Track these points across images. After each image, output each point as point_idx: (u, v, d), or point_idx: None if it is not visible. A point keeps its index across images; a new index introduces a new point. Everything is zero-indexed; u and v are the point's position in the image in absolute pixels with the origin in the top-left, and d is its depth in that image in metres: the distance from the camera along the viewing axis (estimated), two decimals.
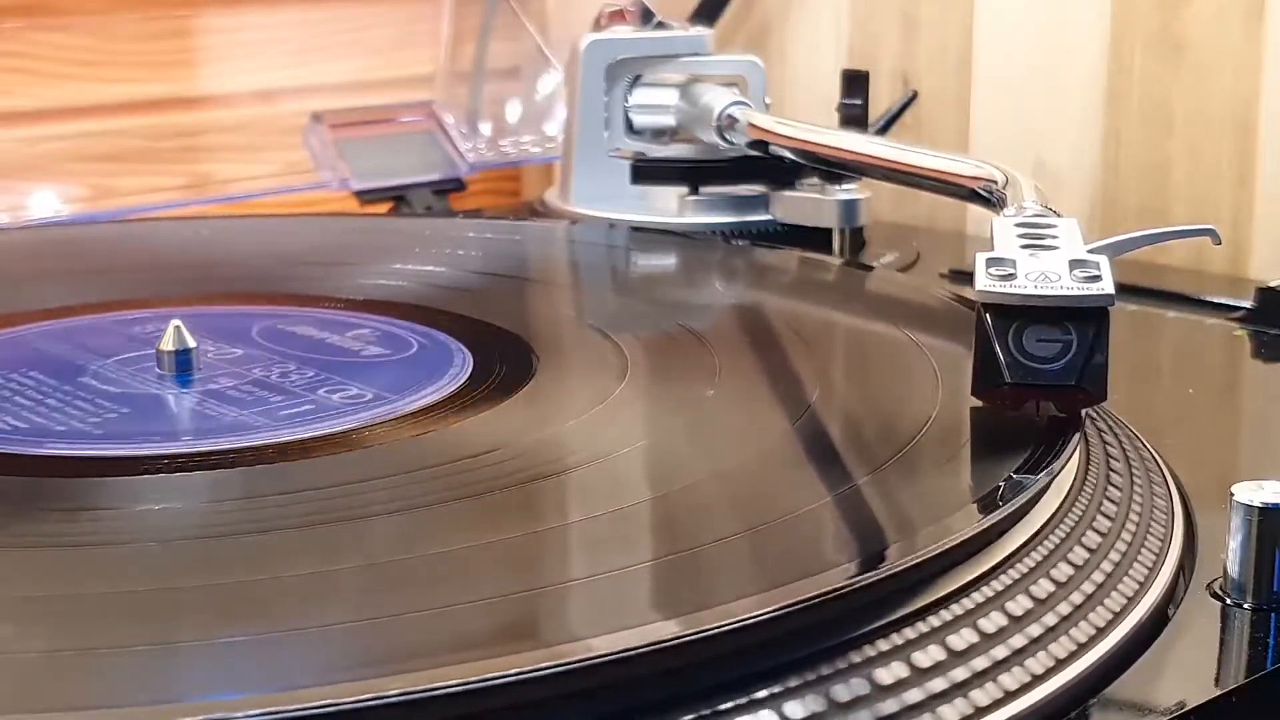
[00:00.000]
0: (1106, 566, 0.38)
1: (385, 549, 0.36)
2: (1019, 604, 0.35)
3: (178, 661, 0.30)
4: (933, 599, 0.34)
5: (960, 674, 0.32)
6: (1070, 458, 0.40)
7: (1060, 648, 0.34)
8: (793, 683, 0.31)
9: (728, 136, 0.73)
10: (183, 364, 0.49)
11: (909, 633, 0.33)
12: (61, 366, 0.50)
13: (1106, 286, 0.40)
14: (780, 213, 0.74)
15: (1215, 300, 0.65)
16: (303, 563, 0.35)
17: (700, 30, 0.80)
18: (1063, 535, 0.38)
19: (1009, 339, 0.40)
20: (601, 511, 0.38)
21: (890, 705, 0.31)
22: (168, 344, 0.49)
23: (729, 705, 0.30)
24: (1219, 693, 0.34)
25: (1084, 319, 0.40)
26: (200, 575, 0.34)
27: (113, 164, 0.86)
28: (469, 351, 0.50)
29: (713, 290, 0.62)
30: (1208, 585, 0.39)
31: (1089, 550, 0.38)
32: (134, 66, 0.87)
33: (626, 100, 0.78)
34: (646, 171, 0.75)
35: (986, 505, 0.37)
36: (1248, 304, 0.62)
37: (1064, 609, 0.35)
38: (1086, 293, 0.40)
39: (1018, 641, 0.34)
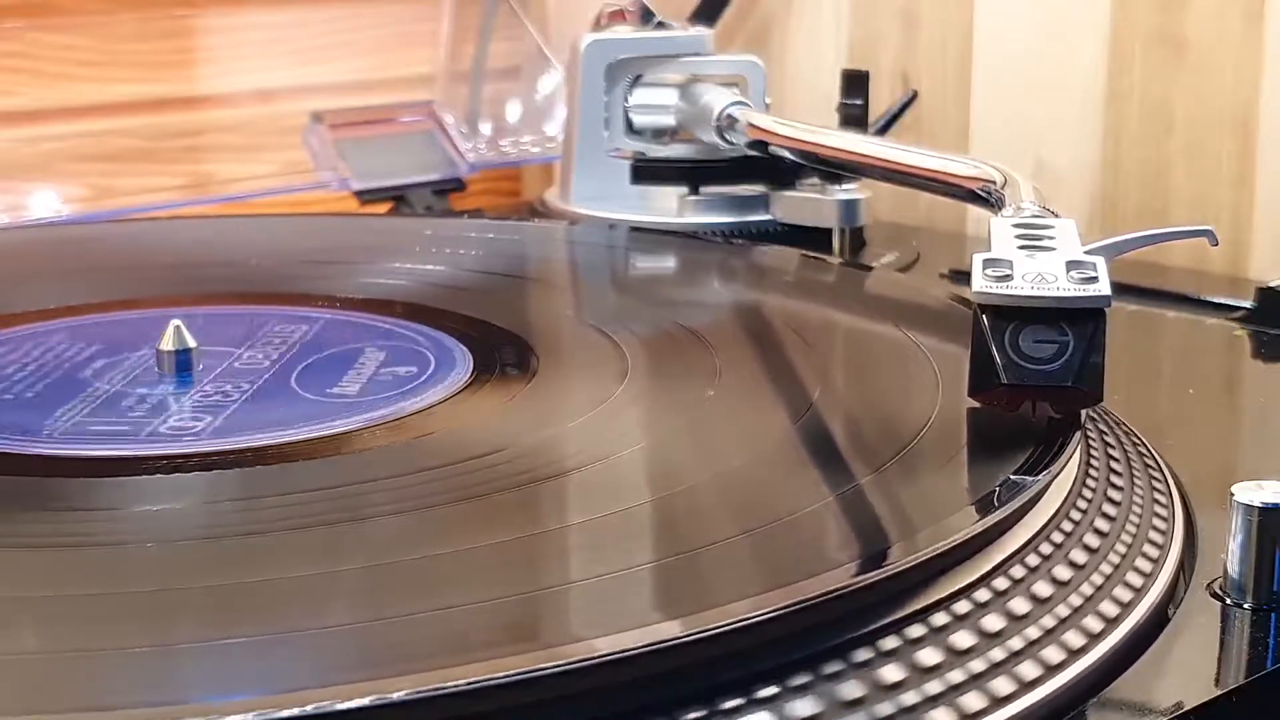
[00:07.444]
0: (1107, 566, 0.38)
1: (386, 550, 0.36)
2: (1019, 604, 0.35)
3: (178, 663, 0.30)
4: (933, 599, 0.34)
5: (961, 674, 0.32)
6: (1070, 458, 0.40)
7: (1060, 648, 0.34)
8: (793, 683, 0.31)
9: (728, 136, 0.73)
10: (182, 364, 0.49)
11: (909, 633, 0.33)
12: (60, 367, 0.50)
13: (1103, 287, 0.40)
14: (780, 213, 0.74)
15: (1215, 300, 0.65)
16: (304, 564, 0.35)
17: (700, 30, 0.80)
18: (1063, 535, 0.38)
19: (1005, 339, 0.40)
20: (603, 512, 0.38)
21: (891, 706, 0.31)
22: (168, 344, 0.49)
23: (730, 705, 0.30)
24: (1219, 693, 0.34)
25: (1080, 320, 0.40)
26: (201, 576, 0.34)
27: (112, 164, 0.86)
28: (469, 352, 0.50)
29: (713, 290, 0.62)
30: (1208, 585, 0.39)
31: (1089, 550, 0.38)
32: (134, 66, 0.87)
33: (626, 100, 0.78)
34: (646, 171, 0.75)
35: (986, 506, 0.37)
36: (1248, 304, 0.62)
37: (1064, 609, 0.35)
38: (1083, 294, 0.40)
39: (1018, 642, 0.34)
